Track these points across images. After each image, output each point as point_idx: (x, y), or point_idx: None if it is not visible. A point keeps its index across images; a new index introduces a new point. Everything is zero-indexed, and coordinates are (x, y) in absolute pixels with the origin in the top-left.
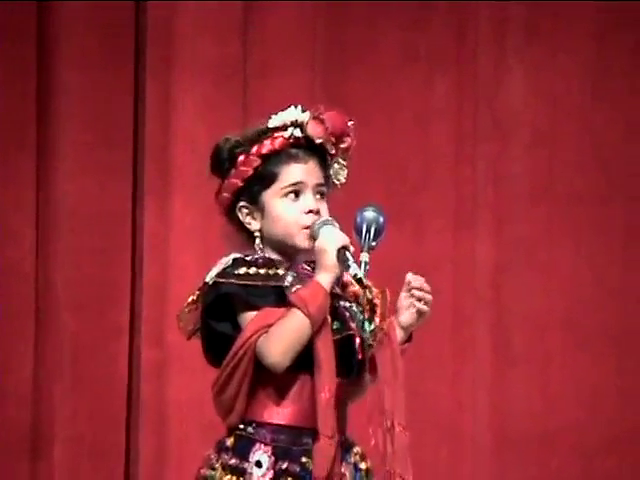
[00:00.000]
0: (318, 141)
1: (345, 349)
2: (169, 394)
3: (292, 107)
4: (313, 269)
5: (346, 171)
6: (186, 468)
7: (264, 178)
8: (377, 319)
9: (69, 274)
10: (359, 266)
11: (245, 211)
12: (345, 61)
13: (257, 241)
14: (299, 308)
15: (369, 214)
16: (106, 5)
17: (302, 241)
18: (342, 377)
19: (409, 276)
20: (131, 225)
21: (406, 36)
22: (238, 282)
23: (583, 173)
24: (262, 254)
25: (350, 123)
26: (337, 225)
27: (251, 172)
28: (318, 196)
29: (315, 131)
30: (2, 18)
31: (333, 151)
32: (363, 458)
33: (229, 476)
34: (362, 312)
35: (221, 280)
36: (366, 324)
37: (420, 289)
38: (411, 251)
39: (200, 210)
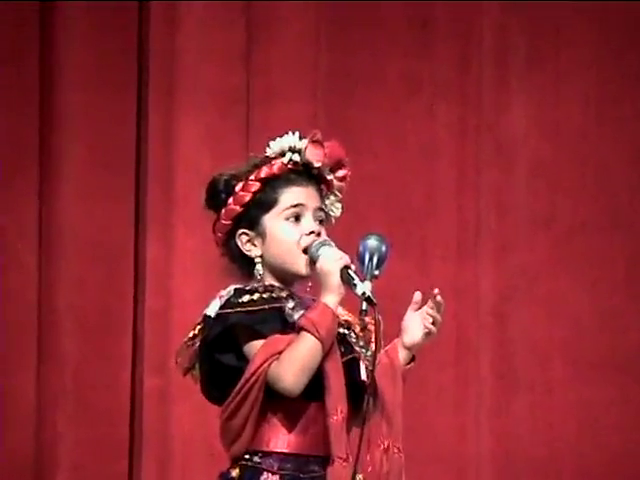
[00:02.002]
0: (317, 165)
1: (351, 372)
2: (172, 422)
3: (290, 133)
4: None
5: (341, 205)
6: None
7: (264, 202)
8: (372, 345)
9: (71, 301)
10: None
11: (245, 238)
12: (348, 89)
13: (258, 267)
14: (309, 331)
15: (372, 242)
16: (110, 30)
17: (302, 267)
18: (349, 401)
19: (419, 295)
20: (134, 251)
21: (409, 64)
22: (244, 310)
23: (586, 201)
24: (262, 283)
25: (346, 159)
26: (334, 244)
27: (250, 197)
28: (317, 222)
29: (314, 155)
30: (5, 41)
31: (330, 177)
32: None
33: None
34: (358, 338)
35: (227, 311)
36: (365, 350)
37: (436, 309)
38: (414, 279)
39: (202, 237)
